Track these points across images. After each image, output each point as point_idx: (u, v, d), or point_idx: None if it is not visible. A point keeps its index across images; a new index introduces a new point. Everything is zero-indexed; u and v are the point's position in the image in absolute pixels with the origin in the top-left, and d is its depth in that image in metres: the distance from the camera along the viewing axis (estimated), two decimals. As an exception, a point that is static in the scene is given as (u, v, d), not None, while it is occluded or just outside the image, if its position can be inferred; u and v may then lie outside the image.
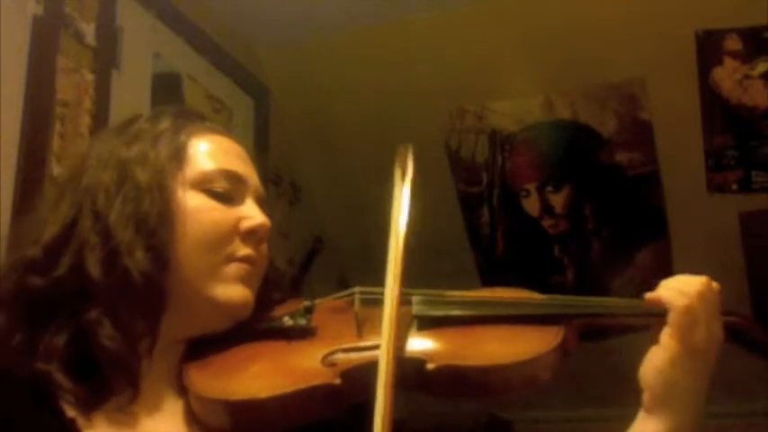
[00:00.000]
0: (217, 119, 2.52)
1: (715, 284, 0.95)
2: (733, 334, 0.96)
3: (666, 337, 0.91)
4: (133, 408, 0.90)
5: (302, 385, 0.86)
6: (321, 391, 0.87)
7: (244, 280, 0.96)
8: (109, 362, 0.89)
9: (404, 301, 0.92)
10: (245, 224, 0.97)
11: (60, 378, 0.88)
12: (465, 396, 0.94)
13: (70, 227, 0.94)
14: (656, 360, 0.91)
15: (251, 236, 0.97)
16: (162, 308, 0.93)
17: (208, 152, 0.99)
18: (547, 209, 2.97)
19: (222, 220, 0.96)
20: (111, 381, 0.90)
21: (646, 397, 0.91)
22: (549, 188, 2.95)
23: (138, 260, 0.91)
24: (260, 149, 2.73)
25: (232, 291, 0.95)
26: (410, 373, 0.88)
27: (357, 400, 0.87)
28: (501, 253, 3.08)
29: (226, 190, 0.97)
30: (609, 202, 2.92)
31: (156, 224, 0.93)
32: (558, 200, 2.96)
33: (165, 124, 1.01)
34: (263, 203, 1.01)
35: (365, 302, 0.98)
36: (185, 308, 0.94)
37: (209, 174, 0.98)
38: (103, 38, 2.02)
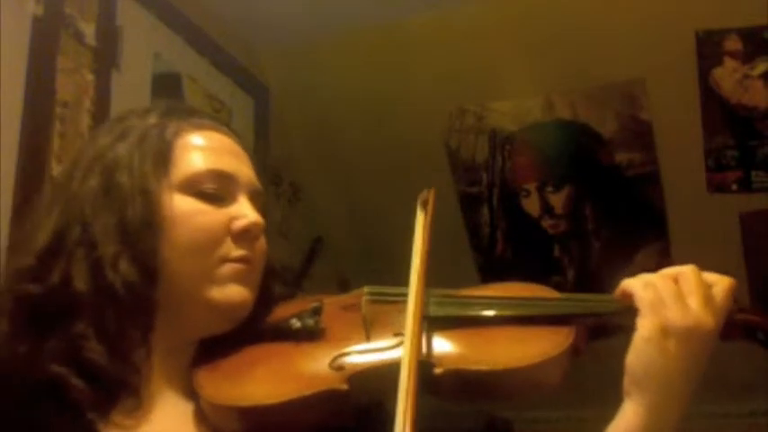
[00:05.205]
0: (217, 119, 2.53)
1: (714, 276, 0.92)
2: (749, 332, 0.92)
3: (640, 316, 0.89)
4: (144, 410, 0.90)
5: (309, 391, 0.86)
6: (329, 396, 0.86)
7: (240, 279, 0.94)
8: (99, 374, 0.88)
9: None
10: (237, 224, 0.95)
11: (74, 381, 0.87)
12: (474, 400, 0.93)
13: (60, 236, 0.92)
14: (634, 341, 0.89)
15: (243, 236, 0.95)
16: (152, 317, 0.92)
17: (195, 151, 0.97)
18: (547, 209, 2.97)
19: (212, 222, 0.94)
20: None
21: (625, 380, 0.89)
22: (549, 188, 2.95)
23: (122, 272, 0.89)
24: (260, 149, 2.73)
25: (229, 291, 0.93)
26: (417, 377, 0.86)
27: (365, 403, 0.87)
28: (501, 253, 3.08)
29: (215, 190, 0.95)
30: (609, 202, 2.92)
31: (141, 232, 0.91)
32: (558, 200, 2.96)
33: (152, 120, 0.99)
34: (258, 197, 0.99)
35: (373, 302, 0.98)
36: (186, 312, 0.94)
37: (196, 175, 0.95)
38: (103, 38, 2.02)
